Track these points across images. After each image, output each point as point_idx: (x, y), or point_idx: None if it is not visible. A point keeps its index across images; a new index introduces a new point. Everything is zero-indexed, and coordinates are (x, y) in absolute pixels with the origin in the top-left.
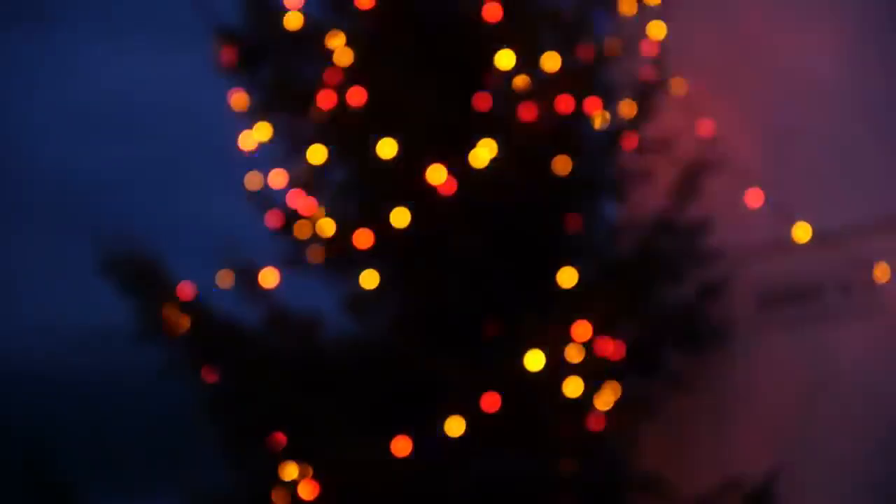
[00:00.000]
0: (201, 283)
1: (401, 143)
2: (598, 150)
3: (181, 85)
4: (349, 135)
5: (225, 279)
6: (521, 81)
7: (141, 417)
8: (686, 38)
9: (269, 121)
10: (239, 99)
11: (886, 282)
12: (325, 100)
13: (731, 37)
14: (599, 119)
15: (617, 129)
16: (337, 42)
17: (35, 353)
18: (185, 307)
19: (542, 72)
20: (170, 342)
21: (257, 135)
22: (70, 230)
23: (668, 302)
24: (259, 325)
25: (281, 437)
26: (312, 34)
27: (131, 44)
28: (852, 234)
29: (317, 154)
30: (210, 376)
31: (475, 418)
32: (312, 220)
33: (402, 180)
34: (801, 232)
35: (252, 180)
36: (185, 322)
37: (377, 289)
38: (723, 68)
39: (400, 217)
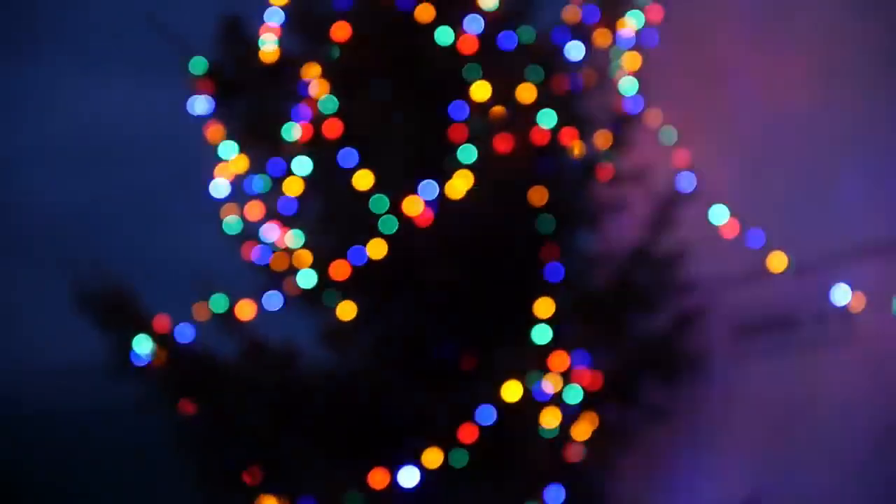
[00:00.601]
0: (178, 315)
1: (377, 175)
2: (574, 181)
3: (158, 118)
4: (326, 166)
5: (201, 312)
6: (496, 113)
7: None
8: (661, 69)
9: (245, 153)
10: (215, 131)
11: (861, 311)
12: (302, 132)
13: (705, 68)
14: (575, 150)
15: (592, 160)
16: (313, 74)
17: (6, 388)
18: (161, 340)
19: (517, 103)
20: (145, 376)
21: (234, 167)
22: (46, 264)
23: (645, 332)
24: (236, 358)
25: (257, 471)
26: (288, 67)
27: (109, 78)
28: (827, 264)
29: (293, 186)
30: (186, 410)
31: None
32: (289, 252)
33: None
34: (777, 262)
35: (229, 213)
36: (160, 355)
37: (354, 320)
38: (697, 99)
39: (377, 248)
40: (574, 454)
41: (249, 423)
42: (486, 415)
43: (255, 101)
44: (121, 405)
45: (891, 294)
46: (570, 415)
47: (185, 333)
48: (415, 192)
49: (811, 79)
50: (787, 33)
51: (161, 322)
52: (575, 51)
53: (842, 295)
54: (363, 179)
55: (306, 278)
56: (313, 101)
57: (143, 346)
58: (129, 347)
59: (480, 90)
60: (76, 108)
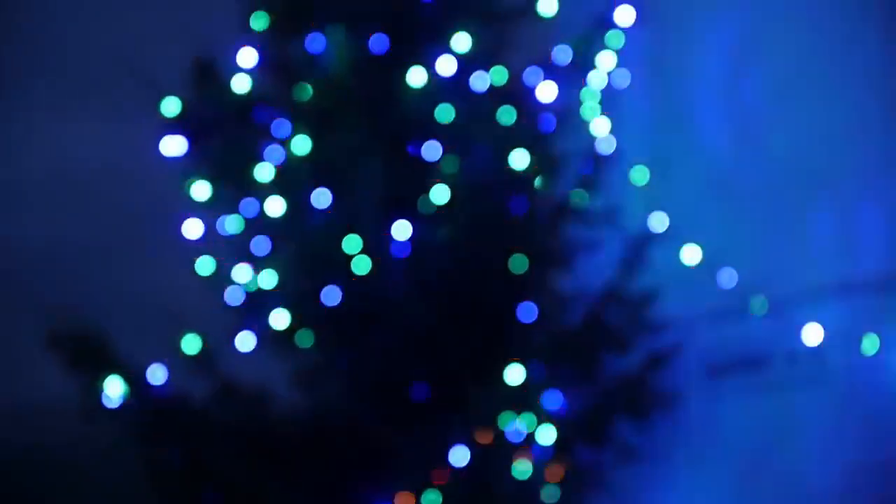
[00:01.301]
0: (150, 356)
1: (350, 215)
2: (547, 221)
3: (130, 158)
4: (298, 207)
5: (174, 353)
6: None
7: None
8: (633, 109)
9: (218, 193)
10: (188, 172)
11: (834, 349)
12: (274, 172)
13: (676, 108)
14: (549, 189)
15: (565, 200)
16: (285, 115)
17: None
18: (133, 382)
19: (489, 144)
20: (117, 418)
21: (206, 207)
22: (16, 303)
23: (618, 372)
24: (208, 399)
25: None
26: (261, 108)
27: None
28: (799, 302)
29: (265, 227)
30: (158, 452)
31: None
32: (262, 293)
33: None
34: (757, 304)
35: (201, 253)
36: (131, 397)
37: (327, 360)
38: (669, 139)
39: (350, 289)
40: (547, 495)
41: (222, 465)
42: (460, 456)
43: (228, 142)
44: (92, 446)
45: (861, 333)
46: (544, 455)
47: (156, 375)
48: (388, 232)
49: (782, 119)
50: (759, 73)
51: (133, 364)
52: (546, 92)
53: (813, 334)
54: (335, 219)
55: (279, 319)
56: (286, 142)
57: (114, 387)
58: (100, 389)
59: (453, 131)
60: (48, 146)
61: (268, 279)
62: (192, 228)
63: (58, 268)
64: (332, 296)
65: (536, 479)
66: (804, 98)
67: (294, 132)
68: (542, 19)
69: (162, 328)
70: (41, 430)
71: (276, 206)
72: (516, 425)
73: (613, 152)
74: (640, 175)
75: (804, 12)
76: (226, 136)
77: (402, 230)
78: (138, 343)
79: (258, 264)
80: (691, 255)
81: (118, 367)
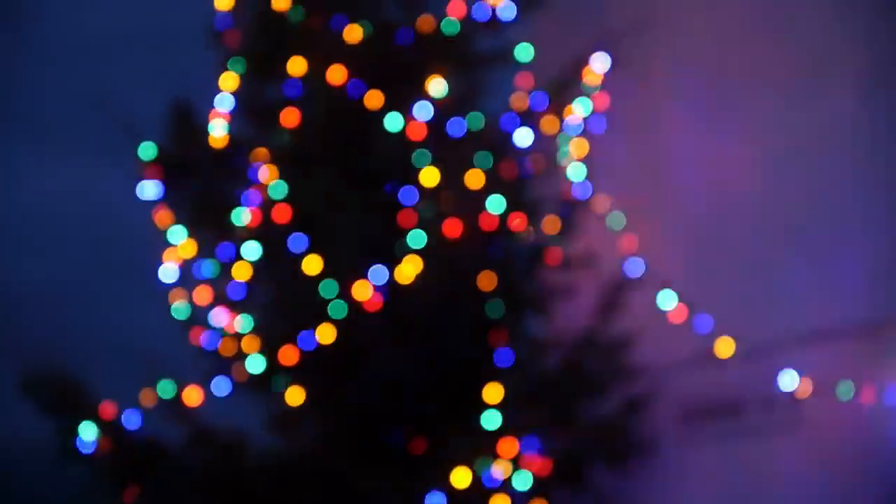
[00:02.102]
0: (125, 401)
1: (327, 260)
2: (523, 267)
3: (107, 201)
4: (275, 251)
5: (148, 397)
6: (445, 199)
7: None
8: (608, 155)
9: (194, 237)
10: (164, 216)
11: (808, 396)
12: (251, 217)
13: (652, 154)
14: (524, 235)
15: (541, 246)
16: (262, 160)
17: None
18: (107, 427)
19: (466, 189)
20: (91, 462)
21: (182, 251)
22: None
23: (594, 417)
24: (183, 445)
25: None
26: (238, 152)
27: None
28: (775, 349)
29: (242, 271)
30: (132, 497)
31: None
32: (238, 337)
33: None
34: (725, 347)
35: (177, 297)
36: (106, 442)
37: (303, 405)
38: (645, 185)
39: (326, 333)
40: None
41: None
42: (436, 501)
43: (205, 186)
44: (66, 490)
45: (837, 380)
46: (520, 501)
47: (131, 420)
48: (364, 276)
49: (756, 166)
50: (732, 121)
51: (107, 408)
52: (523, 137)
53: (789, 381)
54: (312, 264)
55: (255, 363)
56: (263, 187)
57: (88, 432)
58: (74, 433)
59: (429, 176)
60: (25, 188)
61: (244, 323)
62: (168, 272)
63: (33, 310)
64: (308, 340)
65: None
66: (780, 146)
67: (271, 176)
68: (518, 65)
69: (137, 372)
70: (14, 473)
71: (252, 251)
72: (493, 470)
73: (589, 198)
74: (616, 220)
75: (779, 62)
76: (203, 180)
77: (378, 275)
78: (113, 387)
79: (234, 308)
80: (668, 300)
81: (92, 411)
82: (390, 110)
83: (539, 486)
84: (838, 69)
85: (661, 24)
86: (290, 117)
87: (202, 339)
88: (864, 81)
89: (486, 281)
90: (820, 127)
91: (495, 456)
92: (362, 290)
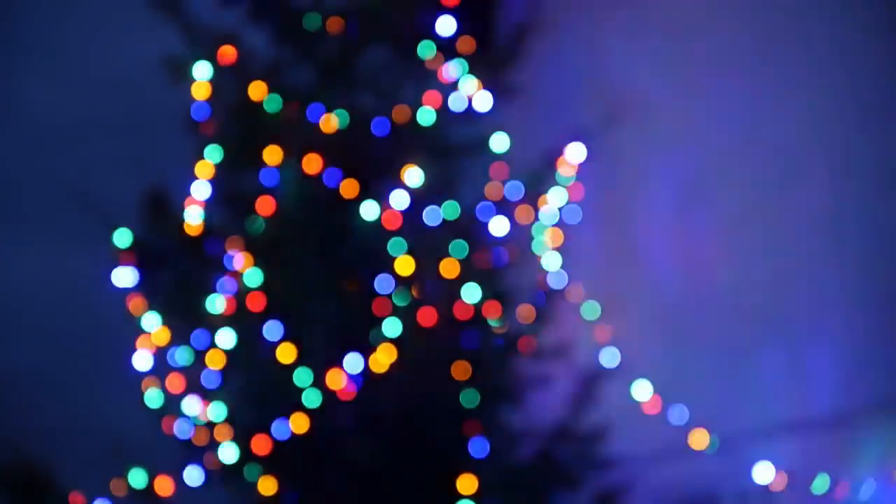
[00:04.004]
0: (95, 490)
1: (301, 348)
2: (498, 356)
3: (79, 287)
4: (249, 339)
5: (119, 487)
6: (419, 288)
7: None
8: (583, 245)
9: (168, 325)
10: (138, 303)
11: (783, 489)
12: (226, 304)
13: (626, 244)
14: (498, 325)
15: (516, 335)
16: (237, 247)
17: None
18: None
19: (441, 278)
20: None
21: (156, 339)
22: None
23: None
24: None
25: None
26: (213, 240)
27: (30, 245)
28: (749, 441)
29: (216, 359)
30: None
31: None
32: (211, 426)
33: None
34: (700, 439)
35: (150, 385)
36: None
37: (276, 495)
38: (619, 275)
39: (300, 423)
40: None
41: None
42: None
43: (179, 274)
44: None
45: (812, 472)
46: None
47: None
48: (339, 365)
49: (730, 255)
50: (707, 209)
51: (76, 498)
52: (498, 226)
53: (764, 473)
54: (286, 353)
55: (228, 453)
56: (238, 274)
57: None
58: None
59: (404, 265)
60: None
61: (217, 412)
62: (142, 360)
63: (2, 398)
64: (281, 429)
65: None
66: (753, 235)
67: (246, 264)
68: (494, 154)
69: (108, 461)
70: None
71: (227, 339)
72: None
73: (564, 287)
74: (591, 310)
75: (751, 153)
76: (177, 268)
77: (352, 363)
78: (84, 476)
79: (208, 396)
80: (642, 391)
81: (62, 501)
82: (366, 199)
83: None
84: (810, 162)
85: (634, 115)
86: (265, 205)
87: (175, 427)
88: (835, 172)
89: (461, 370)
90: (793, 216)
91: None
92: (336, 379)
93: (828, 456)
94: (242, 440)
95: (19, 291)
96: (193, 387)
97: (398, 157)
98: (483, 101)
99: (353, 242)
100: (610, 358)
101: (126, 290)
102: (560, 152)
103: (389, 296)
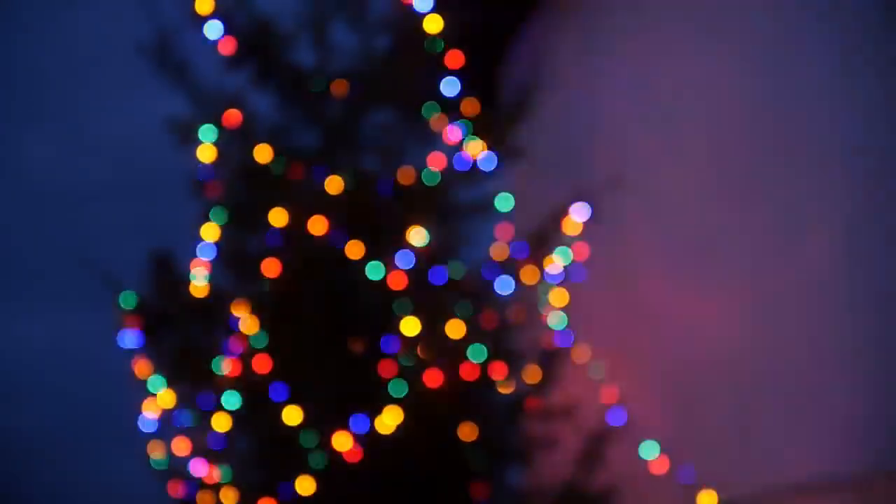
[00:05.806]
0: None
1: (307, 410)
2: (504, 417)
3: (86, 350)
4: (255, 401)
5: None
6: (425, 349)
7: None
8: (589, 305)
9: (174, 387)
10: (144, 365)
11: None
12: (231, 367)
13: (631, 303)
14: (504, 385)
15: (522, 396)
16: (243, 309)
17: None
18: None
19: (446, 339)
20: None
21: (162, 401)
22: None
23: None
24: None
25: None
26: (219, 302)
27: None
28: (757, 502)
29: (221, 421)
30: None
31: None
32: (216, 489)
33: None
34: (708, 499)
35: (156, 448)
36: None
37: None
38: (625, 334)
39: (305, 485)
40: None
41: None
42: None
43: (185, 336)
44: None
45: None
46: None
47: None
48: (345, 427)
49: (733, 315)
50: (709, 269)
51: None
52: (504, 286)
53: None
54: (292, 415)
55: None
56: (243, 336)
57: None
58: None
59: (410, 325)
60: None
61: (222, 474)
62: (148, 422)
63: (9, 456)
64: (287, 492)
65: None
66: (757, 296)
67: (252, 326)
68: (499, 214)
69: None
70: None
71: (232, 401)
72: None
73: (570, 347)
74: (597, 370)
75: (755, 216)
76: (183, 330)
77: (359, 425)
78: None
79: (213, 459)
80: (650, 451)
81: None
82: (371, 259)
83: None
84: (813, 224)
85: (636, 178)
86: (271, 267)
87: (180, 490)
88: (838, 234)
89: (467, 431)
90: (797, 277)
91: None
92: (342, 441)
93: None
94: (248, 503)
95: (25, 356)
96: (199, 449)
97: (403, 217)
98: (487, 161)
99: (358, 303)
100: (617, 417)
101: (132, 353)
102: (565, 212)
103: (395, 356)
